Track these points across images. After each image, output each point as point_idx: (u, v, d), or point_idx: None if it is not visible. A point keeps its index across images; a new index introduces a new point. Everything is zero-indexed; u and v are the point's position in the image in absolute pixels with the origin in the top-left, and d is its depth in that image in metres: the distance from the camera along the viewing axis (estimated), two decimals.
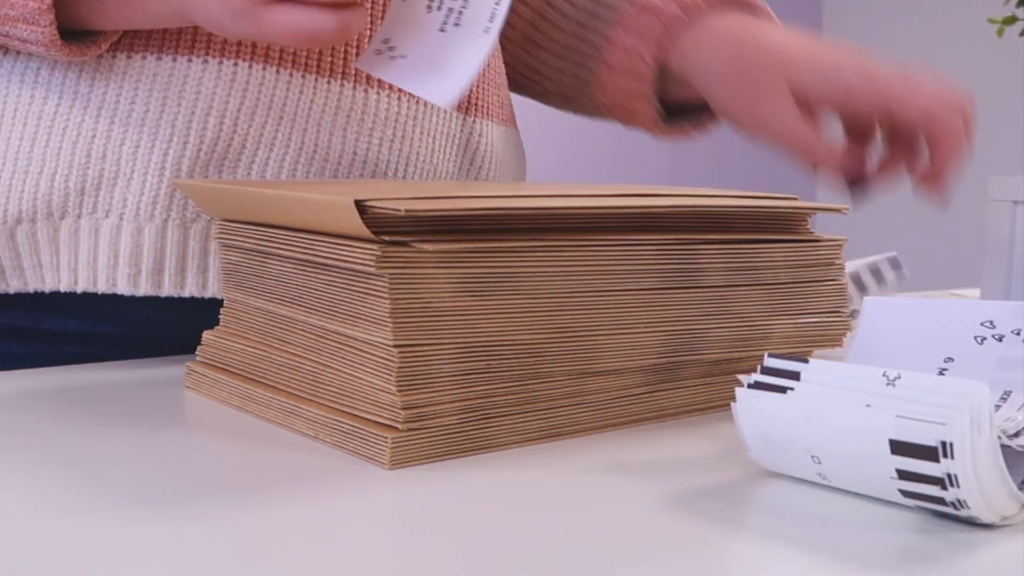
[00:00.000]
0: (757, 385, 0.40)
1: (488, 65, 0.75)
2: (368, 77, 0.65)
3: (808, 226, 0.56)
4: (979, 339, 0.44)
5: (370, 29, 0.65)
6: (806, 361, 0.40)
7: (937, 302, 0.47)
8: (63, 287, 0.62)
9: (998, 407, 0.41)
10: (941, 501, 0.35)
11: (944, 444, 0.34)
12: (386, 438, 0.42)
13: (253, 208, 0.50)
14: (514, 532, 0.35)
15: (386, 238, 0.42)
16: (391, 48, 0.56)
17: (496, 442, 0.45)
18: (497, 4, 0.53)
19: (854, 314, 0.65)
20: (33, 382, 0.56)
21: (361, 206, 0.41)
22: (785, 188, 3.63)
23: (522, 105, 0.85)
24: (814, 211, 0.56)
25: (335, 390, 0.46)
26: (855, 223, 3.52)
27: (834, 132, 0.67)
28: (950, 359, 0.45)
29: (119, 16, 0.58)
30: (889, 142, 0.68)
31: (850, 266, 0.76)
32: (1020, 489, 0.36)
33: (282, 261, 0.49)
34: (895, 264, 0.78)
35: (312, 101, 0.63)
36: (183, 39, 0.61)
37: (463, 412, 0.44)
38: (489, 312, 0.44)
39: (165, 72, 0.61)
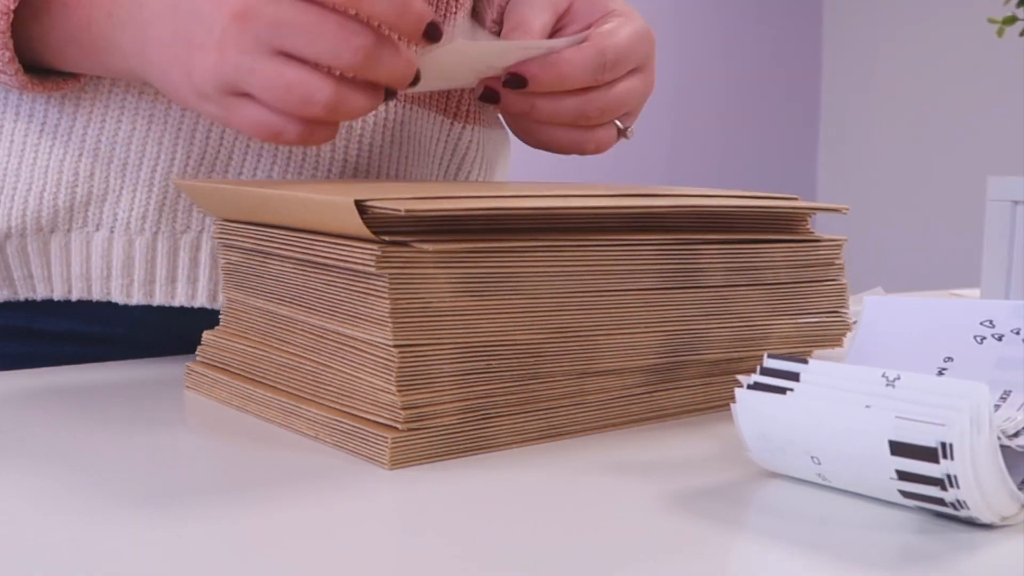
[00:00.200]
0: (757, 386, 0.40)
1: None
2: None
3: (808, 226, 0.56)
4: (979, 339, 0.44)
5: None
6: (805, 362, 0.40)
7: (937, 302, 0.47)
8: (56, 296, 0.62)
9: (998, 407, 0.41)
10: (941, 502, 0.35)
11: (944, 445, 0.34)
12: (386, 438, 0.42)
13: (253, 208, 0.50)
14: (514, 532, 0.35)
15: (386, 238, 0.42)
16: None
17: (496, 442, 0.45)
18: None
19: None
20: (32, 382, 0.56)
21: (361, 206, 0.41)
22: (785, 188, 3.64)
23: None
24: (814, 211, 0.56)
25: (335, 390, 0.46)
26: (855, 223, 3.52)
27: None
28: (950, 359, 0.45)
29: (78, 65, 0.57)
30: None
31: None
32: (1020, 489, 0.36)
33: (282, 261, 0.49)
34: None
35: None
36: None
37: (463, 412, 0.44)
38: (489, 312, 0.44)
39: (151, 90, 0.61)
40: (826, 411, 0.37)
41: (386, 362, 0.43)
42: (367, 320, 0.43)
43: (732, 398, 0.40)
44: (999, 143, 3.41)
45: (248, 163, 0.63)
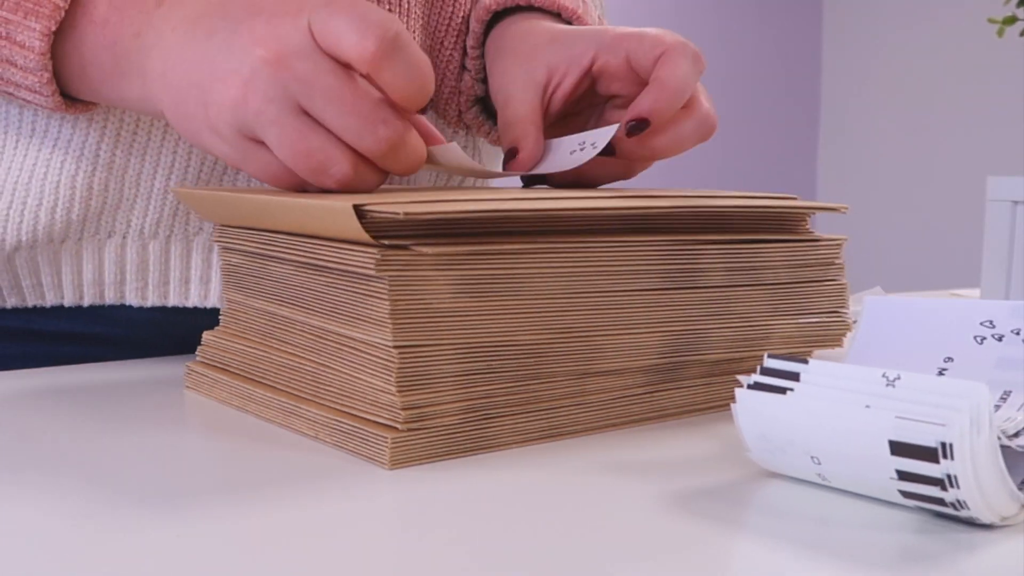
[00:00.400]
0: (757, 386, 0.40)
1: None
2: None
3: (808, 226, 0.56)
4: (979, 339, 0.44)
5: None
6: (806, 362, 0.40)
7: (937, 302, 0.47)
8: (67, 302, 0.62)
9: (998, 407, 0.41)
10: (941, 502, 0.35)
11: (944, 445, 0.34)
12: (386, 438, 0.42)
13: (253, 214, 0.50)
14: (514, 532, 0.35)
15: (385, 242, 0.42)
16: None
17: (496, 442, 0.45)
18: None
19: None
20: (32, 382, 0.56)
21: (360, 211, 0.41)
22: (785, 188, 3.64)
23: None
24: (813, 211, 0.56)
25: (335, 390, 0.46)
26: (855, 223, 3.52)
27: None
28: (950, 359, 0.45)
29: (96, 91, 0.56)
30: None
31: None
32: (1020, 489, 0.36)
33: (282, 264, 0.49)
34: None
35: None
36: None
37: (463, 412, 0.44)
38: (489, 313, 0.44)
39: None
40: (826, 411, 0.37)
41: (386, 363, 0.43)
42: (367, 321, 0.44)
43: (732, 398, 0.40)
44: (999, 143, 3.41)
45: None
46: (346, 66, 0.47)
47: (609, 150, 0.58)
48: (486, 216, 0.44)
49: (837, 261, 0.56)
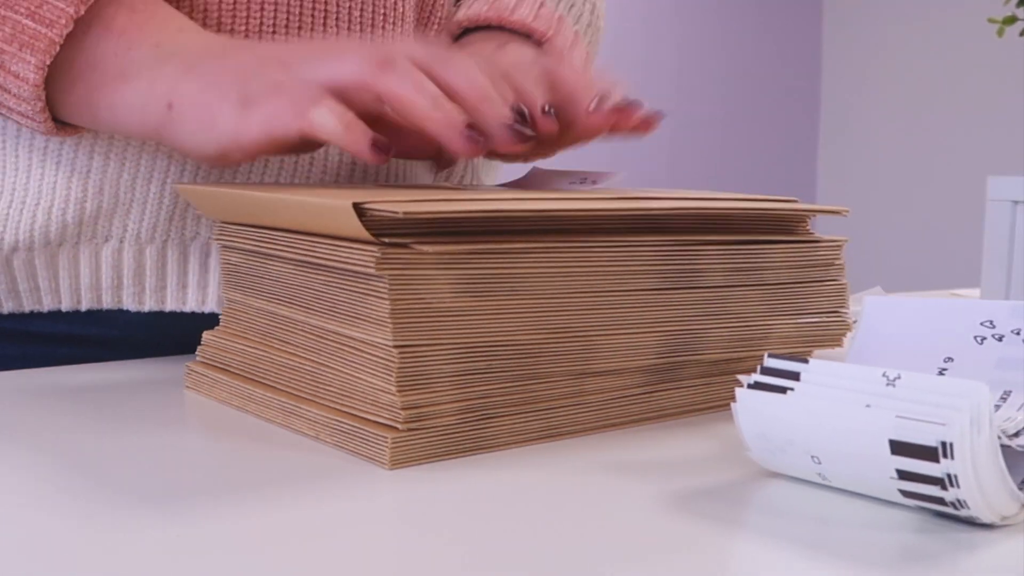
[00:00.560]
0: (757, 385, 0.40)
1: None
2: None
3: (808, 227, 0.56)
4: (979, 339, 0.44)
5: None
6: (806, 361, 0.40)
7: (937, 302, 0.47)
8: (64, 307, 0.62)
9: (998, 407, 0.41)
10: (941, 501, 0.35)
11: (944, 444, 0.34)
12: (386, 438, 0.42)
13: (252, 211, 0.50)
14: (514, 532, 0.35)
15: (386, 240, 0.42)
16: None
17: (496, 442, 0.45)
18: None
19: None
20: (31, 382, 0.56)
21: (359, 209, 0.41)
22: (785, 188, 3.64)
23: None
24: (813, 213, 0.56)
25: (335, 390, 0.46)
26: (855, 223, 3.52)
27: None
28: (950, 359, 0.45)
29: (87, 97, 0.54)
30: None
31: None
32: (1020, 489, 0.36)
33: (282, 262, 0.49)
34: None
35: None
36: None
37: (463, 412, 0.44)
38: (489, 312, 0.44)
39: None
40: (826, 411, 0.37)
41: (386, 362, 0.43)
42: (367, 321, 0.44)
43: (732, 398, 0.40)
44: (999, 143, 3.41)
45: (255, 172, 0.63)
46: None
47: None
48: (486, 215, 0.44)
49: (837, 261, 0.56)
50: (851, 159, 3.91)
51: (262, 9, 0.60)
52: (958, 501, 0.35)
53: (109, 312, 0.63)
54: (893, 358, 0.46)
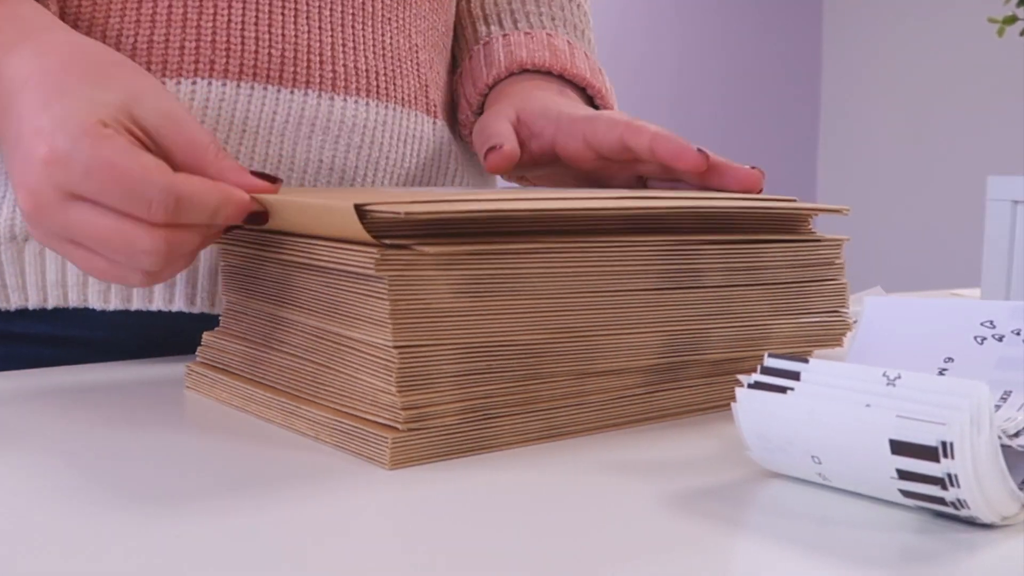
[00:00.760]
0: (757, 385, 0.40)
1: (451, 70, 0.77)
2: (333, 84, 0.64)
3: (809, 226, 0.56)
4: (979, 339, 0.44)
5: None
6: (806, 361, 0.40)
7: (937, 302, 0.47)
8: (31, 305, 0.62)
9: (998, 407, 0.41)
10: (941, 501, 0.35)
11: (944, 444, 0.34)
12: (386, 438, 0.42)
13: None
14: (514, 532, 0.35)
15: (386, 241, 0.42)
16: None
17: (496, 442, 0.45)
18: None
19: None
20: (30, 382, 0.56)
21: (360, 210, 0.41)
22: (785, 188, 3.63)
23: None
24: (813, 212, 0.56)
25: (335, 391, 0.46)
26: (855, 223, 3.52)
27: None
28: (950, 359, 0.45)
29: None
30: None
31: None
32: (1020, 489, 0.36)
33: (282, 265, 0.49)
34: None
35: (275, 112, 0.63)
36: (139, 62, 0.60)
37: (463, 412, 0.44)
38: (489, 313, 0.44)
39: None
40: (827, 410, 0.37)
41: (386, 363, 0.43)
42: (367, 321, 0.44)
43: (733, 398, 0.40)
44: (999, 143, 3.41)
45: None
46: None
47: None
48: (486, 216, 0.44)
49: (837, 261, 0.56)
50: (851, 159, 3.91)
51: None
52: (958, 501, 0.35)
53: (93, 314, 0.63)
54: (893, 358, 0.46)
